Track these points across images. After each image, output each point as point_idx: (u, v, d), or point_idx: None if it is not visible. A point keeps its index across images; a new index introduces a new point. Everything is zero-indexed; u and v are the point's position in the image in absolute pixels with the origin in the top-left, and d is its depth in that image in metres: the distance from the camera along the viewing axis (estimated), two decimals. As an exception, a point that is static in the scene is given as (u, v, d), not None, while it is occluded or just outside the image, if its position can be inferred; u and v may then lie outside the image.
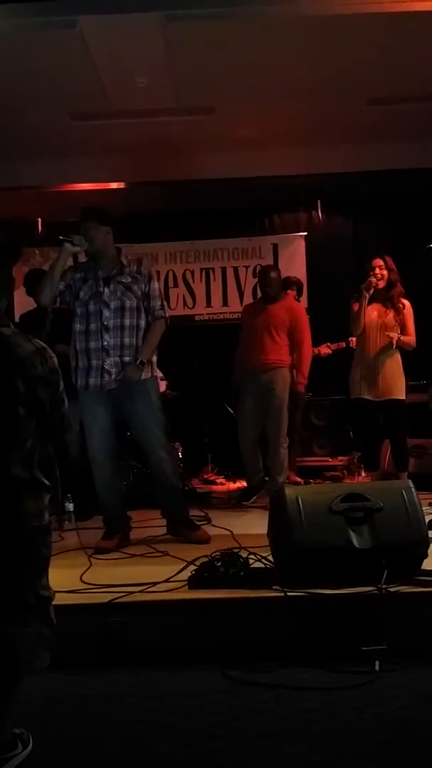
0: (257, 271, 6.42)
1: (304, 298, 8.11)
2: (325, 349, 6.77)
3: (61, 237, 4.32)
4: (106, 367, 4.26)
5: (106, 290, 4.31)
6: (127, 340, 4.29)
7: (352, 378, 5.63)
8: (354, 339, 5.97)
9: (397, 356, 5.56)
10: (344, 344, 6.55)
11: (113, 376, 4.26)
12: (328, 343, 6.77)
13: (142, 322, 4.35)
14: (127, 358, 4.28)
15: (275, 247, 8.55)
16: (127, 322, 4.30)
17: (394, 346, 5.50)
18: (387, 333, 5.49)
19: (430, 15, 5.04)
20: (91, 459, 4.45)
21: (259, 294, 6.39)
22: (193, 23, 5.13)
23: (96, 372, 4.27)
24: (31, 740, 2.27)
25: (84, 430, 4.48)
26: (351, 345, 6.35)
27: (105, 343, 4.26)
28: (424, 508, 3.40)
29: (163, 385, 6.98)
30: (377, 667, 2.76)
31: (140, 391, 4.33)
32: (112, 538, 4.36)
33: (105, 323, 4.27)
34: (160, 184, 7.68)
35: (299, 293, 7.13)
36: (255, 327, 5.94)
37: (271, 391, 5.76)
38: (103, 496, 4.52)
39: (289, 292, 6.86)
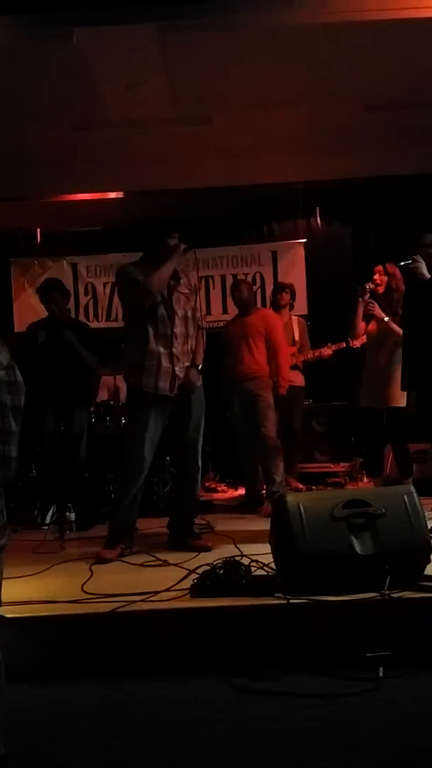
0: (233, 285, 6.56)
1: (303, 305, 8.14)
2: (326, 351, 6.76)
3: (184, 247, 4.51)
4: (177, 373, 4.38)
5: (173, 298, 4.47)
6: (188, 348, 4.51)
7: (361, 387, 5.69)
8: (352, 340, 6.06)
9: (399, 364, 5.56)
10: (344, 344, 6.55)
11: (178, 382, 4.39)
12: (329, 344, 6.78)
13: (193, 332, 4.56)
14: (187, 364, 4.46)
15: (274, 254, 8.57)
16: (189, 330, 4.52)
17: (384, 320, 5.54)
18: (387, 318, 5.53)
19: (427, 22, 5.06)
20: (132, 465, 4.35)
21: (260, 305, 6.48)
22: (189, 33, 5.15)
23: (166, 376, 4.36)
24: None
25: (132, 438, 4.37)
26: (351, 345, 6.37)
27: (174, 349, 4.40)
28: (426, 513, 3.39)
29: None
30: (382, 674, 2.75)
31: (198, 397, 4.51)
32: (115, 547, 4.33)
33: (174, 330, 4.42)
34: (158, 193, 7.70)
35: (293, 297, 7.13)
36: (234, 339, 6.12)
37: (255, 398, 5.86)
38: (127, 504, 4.42)
39: (283, 294, 6.91)
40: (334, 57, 5.58)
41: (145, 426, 4.31)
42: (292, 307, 7.10)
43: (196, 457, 4.52)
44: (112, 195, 7.77)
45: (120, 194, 7.77)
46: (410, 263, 4.57)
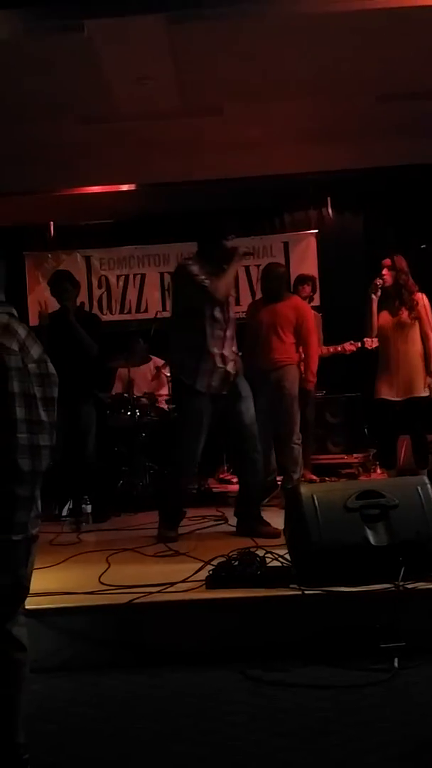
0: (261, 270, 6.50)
1: (315, 295, 8.11)
2: (350, 347, 6.70)
3: (244, 251, 4.62)
4: (230, 371, 4.52)
5: (228, 301, 4.57)
6: (235, 349, 4.64)
7: (377, 380, 5.67)
8: (369, 339, 5.99)
9: (418, 354, 5.56)
10: (360, 344, 6.54)
11: (230, 380, 4.52)
12: (352, 341, 6.74)
13: (234, 333, 4.70)
14: (232, 364, 4.58)
15: (286, 245, 8.55)
16: (234, 332, 4.65)
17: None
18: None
19: (437, 10, 5.03)
20: (187, 460, 4.55)
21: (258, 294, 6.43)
22: (198, 24, 5.15)
23: (219, 376, 4.48)
24: None
25: (186, 434, 4.53)
26: (366, 346, 6.33)
27: (225, 351, 4.51)
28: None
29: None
30: (396, 665, 2.76)
31: (245, 386, 4.64)
32: (175, 527, 4.57)
33: (226, 332, 4.55)
34: (170, 185, 7.69)
35: (313, 290, 7.09)
36: (261, 326, 5.92)
37: (281, 389, 5.77)
38: (182, 495, 4.68)
39: (305, 287, 6.87)
40: (344, 46, 5.56)
41: (199, 423, 4.47)
42: (311, 300, 7.02)
43: (256, 444, 4.64)
44: (124, 187, 7.77)
45: (132, 186, 7.76)
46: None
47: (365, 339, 6.21)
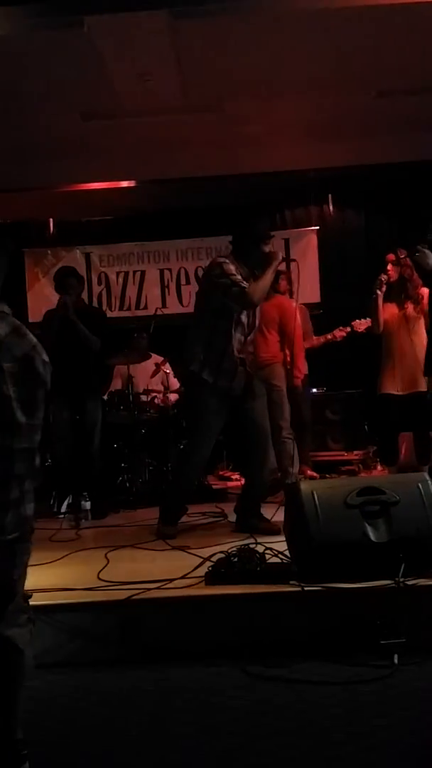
0: None
1: (316, 292, 8.11)
2: (339, 333, 6.71)
3: (283, 256, 4.70)
4: (248, 371, 4.56)
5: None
6: (251, 350, 4.71)
7: (381, 375, 5.68)
8: (358, 322, 6.06)
9: (422, 349, 5.56)
10: (349, 329, 6.55)
11: (246, 380, 4.55)
12: (340, 327, 6.74)
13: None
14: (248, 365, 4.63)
15: (287, 242, 8.54)
16: (254, 336, 4.71)
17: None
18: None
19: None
20: (199, 456, 4.58)
21: None
22: (200, 20, 5.14)
23: (239, 377, 4.50)
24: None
25: (201, 431, 4.55)
26: (356, 329, 6.40)
27: (242, 354, 4.52)
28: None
29: (176, 383, 7.00)
30: (396, 661, 2.76)
31: (260, 388, 4.72)
32: (175, 524, 4.58)
33: (250, 336, 4.60)
34: (170, 182, 7.68)
35: (290, 283, 7.04)
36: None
37: (269, 387, 5.80)
38: (187, 493, 4.72)
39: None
40: (345, 42, 5.54)
41: (215, 422, 4.49)
42: (290, 294, 7.01)
43: (266, 442, 4.67)
44: (125, 184, 7.76)
45: (132, 183, 7.75)
46: (414, 253, 4.56)
47: (353, 322, 6.25)
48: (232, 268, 4.37)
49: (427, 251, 4.47)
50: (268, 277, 4.43)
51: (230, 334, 4.42)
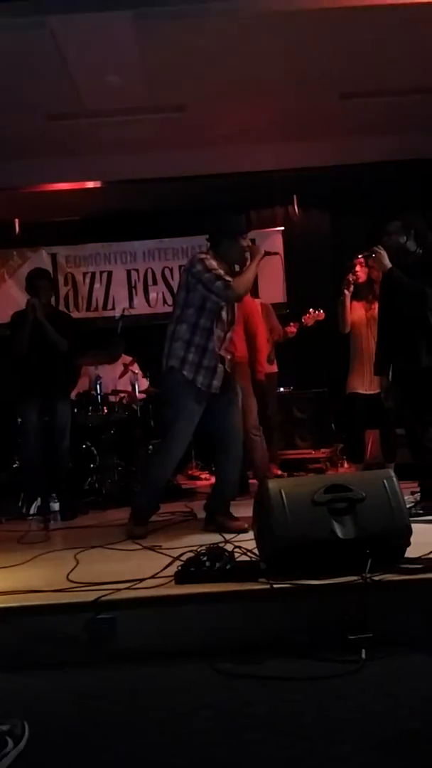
0: None
1: (281, 293, 8.16)
2: (291, 329, 6.77)
3: (266, 250, 4.64)
4: (227, 370, 4.58)
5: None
6: (230, 348, 4.70)
7: (349, 375, 5.75)
8: (307, 316, 6.13)
9: None
10: (299, 323, 6.62)
11: (225, 378, 4.56)
12: (292, 323, 6.80)
13: None
14: (228, 363, 4.64)
15: (253, 242, 8.53)
16: (233, 334, 4.69)
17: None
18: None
19: (399, 9, 5.08)
20: (173, 455, 4.55)
21: None
22: (163, 21, 5.15)
23: (219, 376, 4.51)
24: (26, 732, 2.25)
25: (177, 430, 4.50)
26: (305, 323, 6.48)
27: (222, 351, 4.54)
28: (405, 497, 3.44)
29: (145, 383, 7.01)
30: (364, 656, 2.79)
31: (235, 386, 4.72)
32: (146, 524, 4.57)
33: (227, 334, 4.60)
34: (135, 183, 7.68)
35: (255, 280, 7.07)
36: None
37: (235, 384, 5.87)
38: (159, 492, 4.70)
39: None
40: (309, 44, 5.59)
41: (192, 421, 4.48)
42: (253, 294, 7.05)
43: (241, 443, 4.69)
44: (91, 184, 7.75)
45: (98, 184, 7.74)
46: (370, 255, 4.61)
47: (303, 317, 6.32)
48: (213, 263, 4.39)
49: (382, 252, 4.52)
50: (252, 270, 4.47)
51: (211, 331, 4.43)
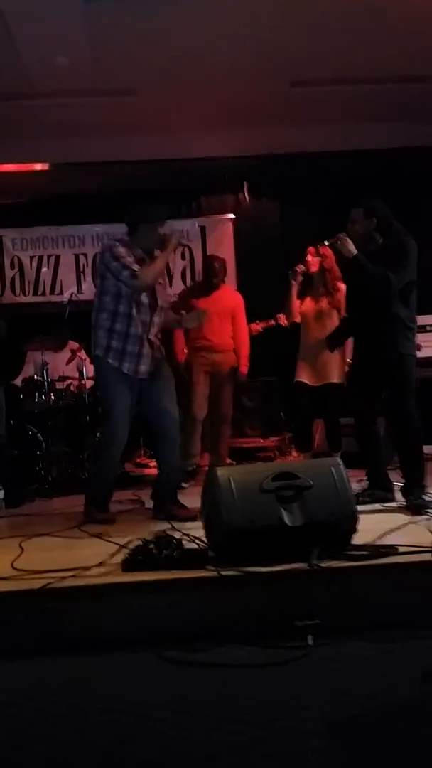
0: (205, 257, 6.63)
1: (233, 280, 8.15)
2: (255, 327, 6.80)
3: (177, 241, 4.61)
4: (155, 356, 4.56)
5: (156, 288, 4.57)
6: (159, 335, 4.68)
7: (297, 363, 5.78)
8: (282, 316, 6.16)
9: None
10: (273, 322, 6.62)
11: (155, 365, 4.56)
12: (257, 321, 6.82)
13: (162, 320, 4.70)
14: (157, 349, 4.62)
15: (203, 229, 8.56)
16: (161, 319, 4.65)
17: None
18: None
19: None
20: (116, 441, 4.57)
21: (189, 280, 6.52)
22: (113, 3, 5.07)
23: (146, 360, 4.50)
24: None
25: (113, 417, 4.55)
26: (280, 323, 6.47)
27: (151, 336, 4.54)
28: (352, 485, 3.47)
29: (92, 369, 6.93)
30: (311, 642, 2.81)
31: (168, 371, 4.72)
32: (106, 509, 4.63)
33: (154, 318, 4.56)
34: (85, 166, 7.59)
35: (224, 273, 7.10)
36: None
37: (218, 373, 5.94)
38: (110, 474, 4.71)
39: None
40: (259, 31, 5.57)
41: (125, 406, 4.50)
42: (223, 282, 7.07)
43: (178, 427, 4.66)
44: (38, 167, 7.63)
45: (46, 166, 7.62)
46: (335, 242, 4.61)
47: (278, 315, 6.35)
48: (122, 251, 4.39)
49: (347, 239, 4.52)
50: (161, 261, 4.48)
51: (131, 316, 4.44)
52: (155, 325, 4.59)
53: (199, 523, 3.60)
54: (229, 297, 6.29)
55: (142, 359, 4.49)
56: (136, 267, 4.36)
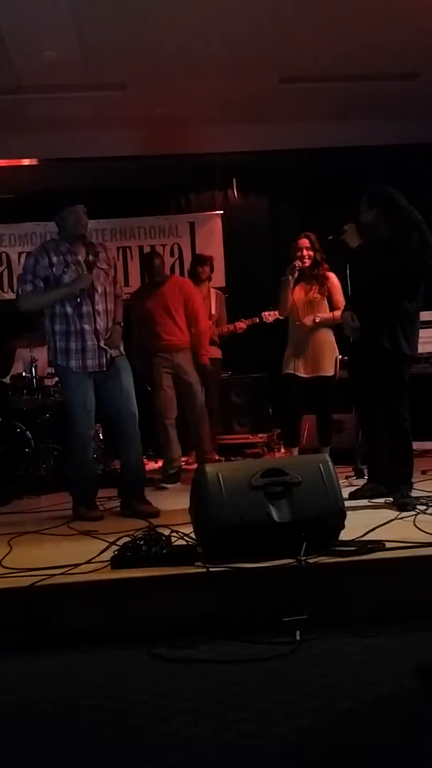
0: (142, 256, 6.59)
1: (221, 276, 8.15)
2: (240, 324, 6.81)
3: (95, 253, 4.59)
4: (104, 347, 4.50)
5: (92, 274, 4.50)
6: (110, 324, 4.58)
7: (285, 355, 5.73)
8: (267, 313, 6.15)
9: (327, 333, 5.66)
10: (257, 319, 6.62)
11: (107, 356, 4.51)
12: (242, 319, 6.82)
13: (113, 306, 4.64)
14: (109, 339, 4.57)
15: (192, 225, 8.55)
16: (109, 306, 4.58)
17: (310, 326, 5.60)
18: (313, 316, 5.60)
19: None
20: (80, 436, 4.61)
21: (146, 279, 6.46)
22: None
23: (93, 353, 4.47)
24: None
25: (74, 416, 4.61)
26: (264, 320, 6.47)
27: (98, 326, 4.49)
28: (341, 481, 3.48)
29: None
30: (298, 637, 2.82)
31: (125, 367, 4.64)
32: (93, 507, 4.67)
33: (96, 307, 4.49)
34: (73, 161, 7.56)
35: (212, 270, 7.10)
36: (153, 310, 6.02)
37: (182, 371, 5.87)
38: (86, 471, 4.74)
39: (204, 268, 6.88)
40: (250, 27, 5.57)
41: (83, 403, 4.53)
42: (210, 280, 7.07)
43: (135, 424, 4.64)
44: (27, 162, 7.59)
45: (34, 161, 7.60)
46: (340, 235, 4.55)
47: (263, 313, 6.33)
48: (30, 261, 4.52)
49: (353, 227, 4.49)
50: (52, 296, 4.47)
51: (67, 315, 4.47)
52: (102, 314, 4.53)
53: (189, 520, 3.61)
54: (175, 289, 6.03)
55: (87, 354, 4.47)
56: (27, 287, 4.46)
